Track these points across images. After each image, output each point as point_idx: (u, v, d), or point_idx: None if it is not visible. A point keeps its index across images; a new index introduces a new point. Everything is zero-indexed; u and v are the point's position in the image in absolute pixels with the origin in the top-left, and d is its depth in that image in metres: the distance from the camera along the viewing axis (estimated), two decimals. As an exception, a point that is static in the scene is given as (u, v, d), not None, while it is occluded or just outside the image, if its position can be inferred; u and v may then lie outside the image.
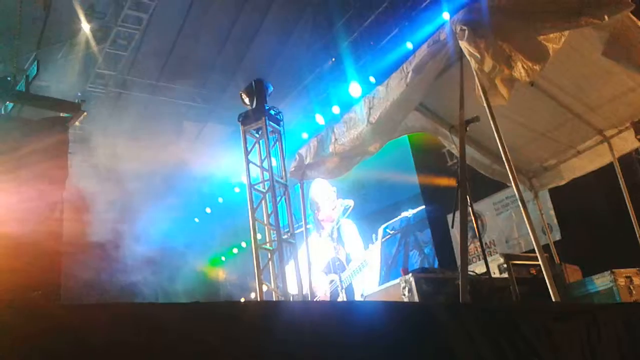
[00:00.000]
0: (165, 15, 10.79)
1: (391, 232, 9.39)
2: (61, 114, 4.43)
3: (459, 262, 4.17)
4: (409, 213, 10.02)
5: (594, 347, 2.62)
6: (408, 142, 9.90)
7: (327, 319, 2.21)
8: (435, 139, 6.60)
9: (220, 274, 15.40)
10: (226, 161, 11.89)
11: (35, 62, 4.70)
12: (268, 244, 6.77)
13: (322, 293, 6.80)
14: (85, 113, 4.57)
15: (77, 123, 4.67)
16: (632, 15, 4.47)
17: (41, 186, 4.01)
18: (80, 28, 10.15)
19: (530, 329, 2.43)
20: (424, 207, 9.86)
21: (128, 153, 11.99)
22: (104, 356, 1.69)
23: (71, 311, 1.82)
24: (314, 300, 6.54)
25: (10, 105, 5.14)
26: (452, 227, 4.49)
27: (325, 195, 7.18)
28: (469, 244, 6.27)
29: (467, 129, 4.37)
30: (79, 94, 10.59)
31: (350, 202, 6.82)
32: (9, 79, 5.15)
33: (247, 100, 7.19)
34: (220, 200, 14.43)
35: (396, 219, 10.03)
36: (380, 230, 8.72)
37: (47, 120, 4.31)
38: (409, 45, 8.88)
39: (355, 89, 9.73)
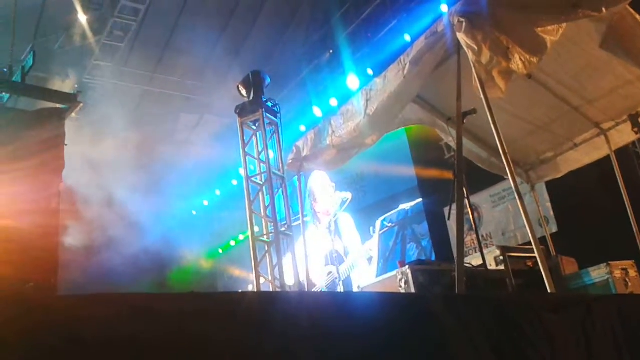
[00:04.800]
0: (162, 7, 10.74)
1: (389, 225, 9.41)
2: (58, 105, 4.43)
3: (455, 255, 4.18)
4: (407, 206, 10.04)
5: (589, 338, 2.63)
6: (406, 135, 9.89)
7: (324, 310, 2.21)
8: (433, 132, 6.60)
9: (217, 266, 15.41)
10: (223, 153, 11.87)
11: (32, 53, 4.67)
12: (265, 236, 6.78)
13: (320, 285, 6.82)
14: (81, 104, 4.57)
15: (73, 114, 4.67)
16: (629, 8, 4.47)
17: (38, 178, 4.00)
18: (76, 19, 10.09)
19: (526, 320, 2.45)
20: (421, 200, 9.87)
21: (124, 145, 11.96)
22: (98, 349, 1.69)
23: (65, 303, 1.82)
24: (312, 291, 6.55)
25: (6, 96, 5.13)
26: (449, 219, 4.50)
27: (324, 189, 7.19)
28: (465, 236, 6.27)
29: (465, 121, 4.38)
30: (76, 86, 10.55)
31: (348, 195, 6.83)
32: (5, 70, 5.13)
33: (244, 92, 7.17)
34: (218, 192, 14.43)
35: (394, 211, 10.04)
36: (378, 223, 8.74)
37: (44, 112, 4.30)
38: (407, 38, 8.85)
39: (352, 81, 9.70)
